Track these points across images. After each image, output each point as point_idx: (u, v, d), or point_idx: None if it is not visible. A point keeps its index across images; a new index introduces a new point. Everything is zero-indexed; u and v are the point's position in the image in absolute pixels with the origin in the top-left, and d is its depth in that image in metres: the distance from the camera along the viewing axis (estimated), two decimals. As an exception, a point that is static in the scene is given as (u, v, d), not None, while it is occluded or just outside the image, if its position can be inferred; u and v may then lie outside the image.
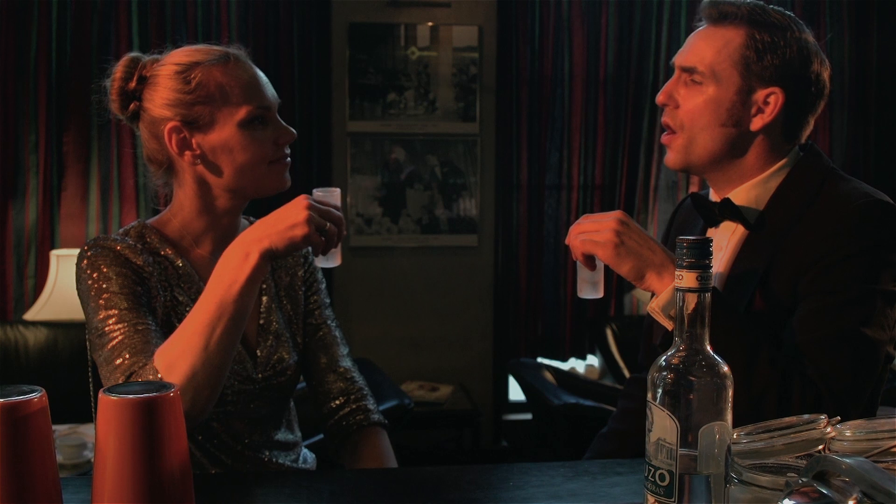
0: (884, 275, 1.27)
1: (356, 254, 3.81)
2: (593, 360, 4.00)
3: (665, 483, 0.87)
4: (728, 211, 1.39)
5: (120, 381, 1.22)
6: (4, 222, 3.46)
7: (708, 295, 0.88)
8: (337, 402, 1.53)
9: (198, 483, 0.92)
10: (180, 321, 1.36)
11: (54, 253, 3.29)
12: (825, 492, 0.70)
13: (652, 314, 1.24)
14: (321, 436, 1.78)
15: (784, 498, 0.72)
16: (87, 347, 1.38)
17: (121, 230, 1.43)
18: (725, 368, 0.87)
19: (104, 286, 1.30)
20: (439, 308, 3.88)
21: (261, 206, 1.56)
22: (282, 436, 1.51)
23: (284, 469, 1.48)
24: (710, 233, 1.45)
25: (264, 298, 1.48)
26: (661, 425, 0.87)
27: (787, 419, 0.92)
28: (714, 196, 1.47)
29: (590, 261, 1.29)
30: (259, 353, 1.44)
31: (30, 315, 3.24)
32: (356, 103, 3.76)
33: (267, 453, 1.46)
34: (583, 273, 1.31)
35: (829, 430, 0.92)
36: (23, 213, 3.48)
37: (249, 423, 1.43)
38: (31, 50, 3.44)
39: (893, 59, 4.00)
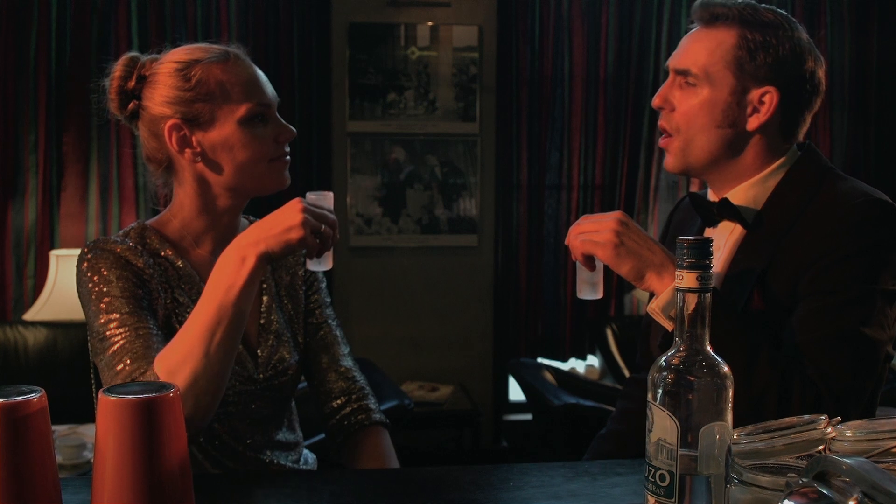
0: (883, 274, 1.27)
1: (356, 254, 3.81)
2: (593, 360, 4.00)
3: (665, 483, 0.87)
4: (726, 210, 1.39)
5: (121, 386, 1.22)
6: (4, 222, 3.46)
7: (708, 295, 0.88)
8: (338, 401, 1.52)
9: (198, 483, 0.91)
10: (181, 322, 1.36)
11: (54, 253, 3.29)
12: (826, 492, 0.70)
13: (651, 315, 1.23)
14: (322, 435, 1.78)
15: (784, 498, 0.72)
16: (87, 348, 1.38)
17: (121, 232, 1.43)
18: (726, 369, 0.87)
19: (105, 289, 1.30)
20: (439, 308, 3.88)
21: (260, 206, 1.56)
22: (283, 436, 1.51)
23: (286, 470, 1.47)
24: (708, 232, 1.45)
25: (265, 298, 1.48)
26: (662, 426, 0.87)
27: (787, 419, 0.92)
28: (712, 196, 1.47)
29: (589, 261, 1.29)
30: (260, 354, 1.44)
31: (29, 315, 3.24)
32: (356, 103, 3.76)
33: (268, 454, 1.46)
34: (582, 274, 1.31)
35: (829, 430, 0.92)
36: (22, 213, 3.48)
37: (251, 423, 1.43)
38: (30, 50, 3.44)
39: (893, 59, 4.00)
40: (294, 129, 1.42)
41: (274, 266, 1.53)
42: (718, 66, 1.35)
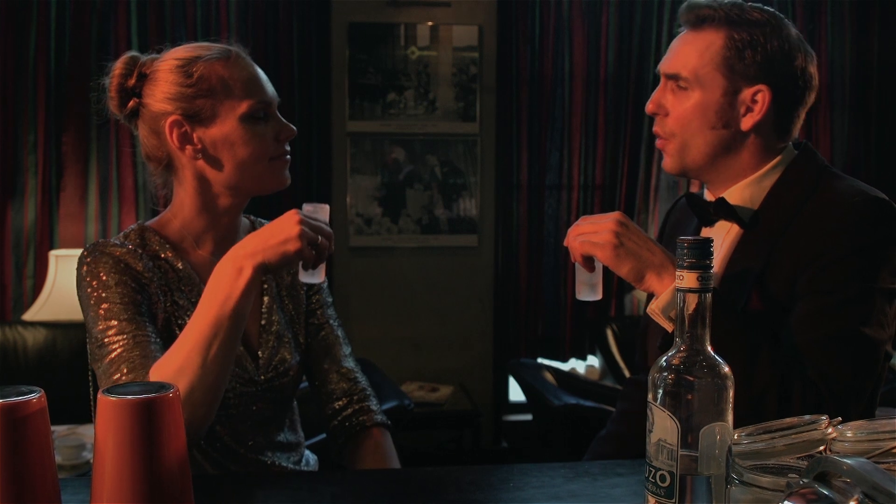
0: (882, 273, 1.26)
1: (356, 254, 3.81)
2: (594, 360, 4.00)
3: (666, 484, 0.86)
4: (723, 210, 1.39)
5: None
6: (3, 222, 3.46)
7: (709, 295, 0.88)
8: (340, 402, 1.52)
9: (198, 484, 0.91)
10: (180, 326, 1.36)
11: (53, 253, 3.29)
12: (826, 493, 0.70)
13: (651, 315, 1.23)
14: (323, 435, 1.78)
15: (785, 499, 0.72)
16: (86, 348, 1.38)
17: (121, 234, 1.43)
18: (726, 369, 0.87)
19: (104, 295, 1.30)
20: (439, 308, 3.87)
21: (259, 206, 1.56)
22: (284, 437, 1.50)
23: (287, 471, 1.47)
24: (705, 232, 1.45)
25: (266, 298, 1.48)
26: (662, 426, 0.87)
27: (788, 420, 0.92)
28: (709, 195, 1.47)
29: (588, 262, 1.28)
30: (261, 355, 1.44)
31: (28, 315, 3.24)
32: (356, 103, 3.76)
33: (270, 455, 1.46)
34: (581, 275, 1.30)
35: (830, 430, 0.92)
36: (21, 213, 3.48)
37: (253, 424, 1.43)
38: (29, 50, 3.44)
39: (894, 58, 4.00)
40: (294, 128, 1.42)
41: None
42: (708, 68, 1.36)
